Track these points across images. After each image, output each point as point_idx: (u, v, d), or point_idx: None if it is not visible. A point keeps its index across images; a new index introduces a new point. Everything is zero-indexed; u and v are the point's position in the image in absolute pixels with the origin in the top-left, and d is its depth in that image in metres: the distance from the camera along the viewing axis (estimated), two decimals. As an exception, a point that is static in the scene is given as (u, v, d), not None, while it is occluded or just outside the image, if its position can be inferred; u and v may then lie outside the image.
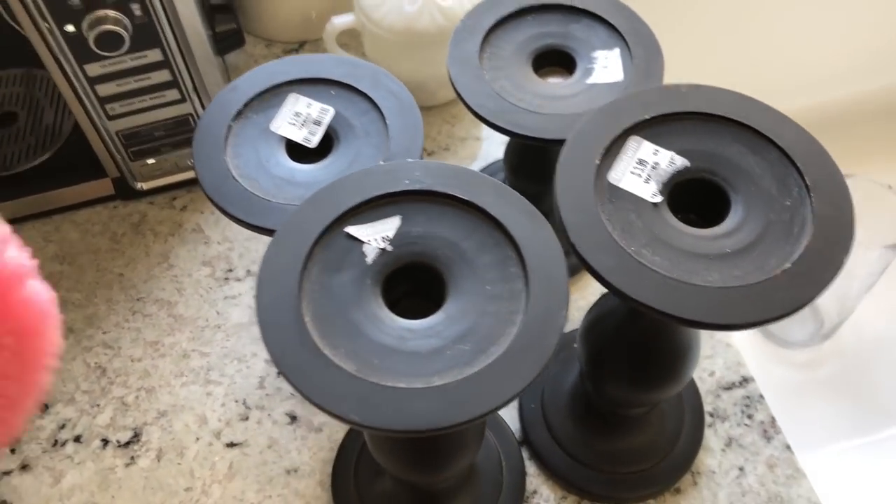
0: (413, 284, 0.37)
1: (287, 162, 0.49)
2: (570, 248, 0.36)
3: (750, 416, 0.59)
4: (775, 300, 0.34)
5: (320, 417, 0.58)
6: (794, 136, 0.39)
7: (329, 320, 0.35)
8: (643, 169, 0.38)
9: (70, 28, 0.54)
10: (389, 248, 0.37)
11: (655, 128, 0.40)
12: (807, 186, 0.37)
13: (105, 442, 0.57)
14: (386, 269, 0.36)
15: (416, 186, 0.38)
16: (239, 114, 0.50)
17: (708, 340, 0.62)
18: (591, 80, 0.52)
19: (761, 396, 0.60)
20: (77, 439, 0.58)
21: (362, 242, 0.37)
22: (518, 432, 0.57)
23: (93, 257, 0.66)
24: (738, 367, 0.61)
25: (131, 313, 0.64)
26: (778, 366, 0.90)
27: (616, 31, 0.53)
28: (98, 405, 0.59)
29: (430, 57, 0.67)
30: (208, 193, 0.47)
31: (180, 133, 0.64)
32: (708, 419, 0.58)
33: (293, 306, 0.34)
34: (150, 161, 0.66)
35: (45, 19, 0.53)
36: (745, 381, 0.60)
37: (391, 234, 0.37)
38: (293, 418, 0.58)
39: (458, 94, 0.51)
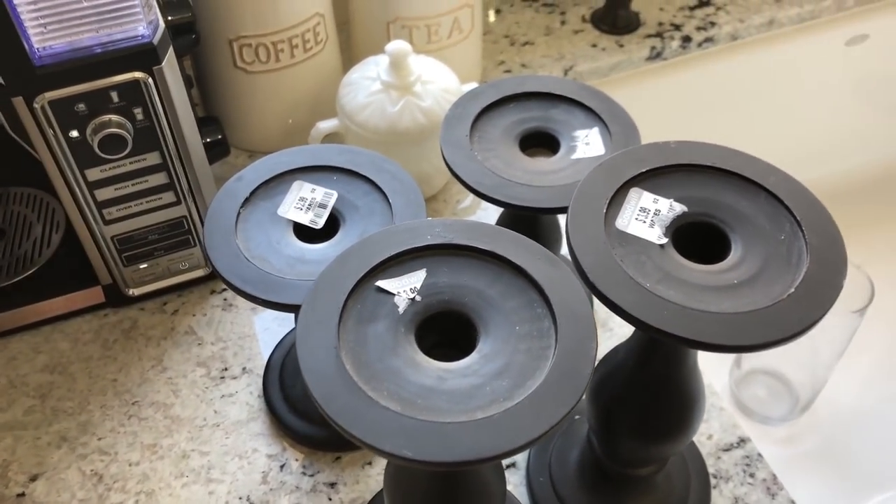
0: (443, 333, 0.38)
1: (297, 243, 0.51)
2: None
3: (752, 475, 0.60)
4: (788, 321, 0.37)
5: (328, 507, 0.57)
6: (777, 179, 0.42)
7: (369, 366, 0.36)
8: (646, 215, 0.41)
9: (74, 133, 0.56)
10: (419, 298, 0.38)
11: (651, 180, 0.43)
12: (797, 221, 0.41)
13: (106, 548, 0.55)
14: (417, 318, 0.38)
15: (439, 240, 0.40)
16: (247, 201, 0.52)
17: (702, 405, 0.64)
18: (575, 156, 0.55)
19: (759, 455, 0.61)
20: (76, 548, 0.55)
21: (392, 294, 0.38)
22: (531, 506, 0.57)
23: (84, 365, 0.66)
24: (734, 428, 0.63)
25: (127, 418, 0.63)
26: (759, 443, 0.92)
27: (593, 112, 0.58)
28: (96, 513, 0.57)
29: (413, 153, 0.71)
30: (223, 275, 0.48)
31: (174, 236, 0.66)
32: (712, 481, 0.59)
33: (333, 355, 0.35)
34: (143, 266, 0.67)
35: (51, 126, 0.55)
36: (743, 441, 0.62)
37: (418, 285, 0.39)
38: (301, 511, 0.57)
39: (454, 174, 0.54)
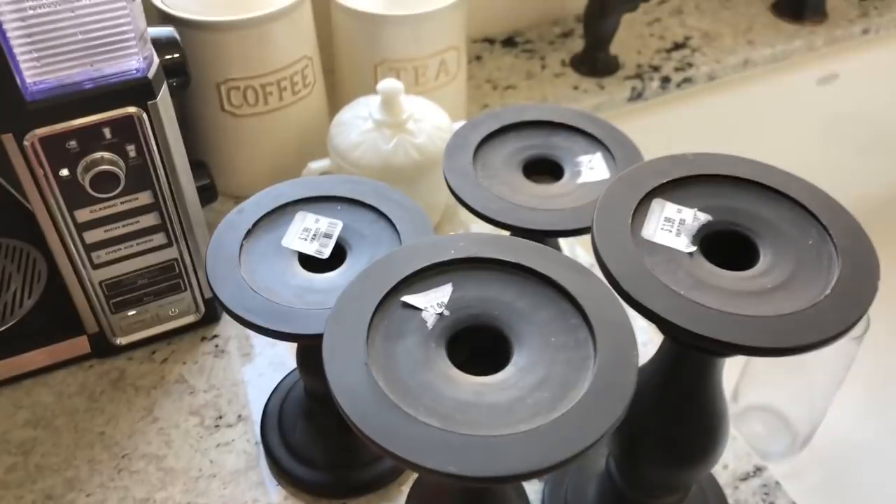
0: (474, 348, 0.37)
1: (303, 273, 0.49)
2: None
3: (772, 503, 0.58)
4: (829, 321, 0.36)
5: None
6: (799, 187, 0.42)
7: (402, 383, 0.34)
8: (672, 225, 0.40)
9: (65, 172, 0.54)
10: (447, 312, 0.37)
11: (672, 191, 0.42)
12: (824, 227, 0.40)
13: None
14: (447, 332, 0.36)
15: (463, 254, 0.38)
16: (249, 233, 0.50)
17: (715, 435, 0.62)
18: (581, 181, 0.55)
19: (777, 483, 0.60)
20: None
21: (420, 310, 0.37)
22: (551, 544, 0.54)
23: (70, 419, 0.62)
24: (749, 456, 0.61)
25: (116, 471, 0.59)
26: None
27: (594, 138, 0.57)
28: (86, 575, 0.54)
29: (407, 190, 0.69)
30: (230, 307, 0.46)
31: (164, 280, 0.63)
32: (732, 512, 0.57)
33: (364, 372, 0.33)
34: (131, 313, 0.64)
35: (41, 165, 0.53)
36: (759, 469, 0.60)
37: (445, 300, 0.37)
38: (307, 562, 0.54)
39: (459, 200, 0.53)
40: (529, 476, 0.30)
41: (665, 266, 0.39)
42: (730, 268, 0.40)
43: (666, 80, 0.96)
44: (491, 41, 1.02)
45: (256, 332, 0.46)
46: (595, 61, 0.96)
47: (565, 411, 0.32)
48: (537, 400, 0.33)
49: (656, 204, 0.42)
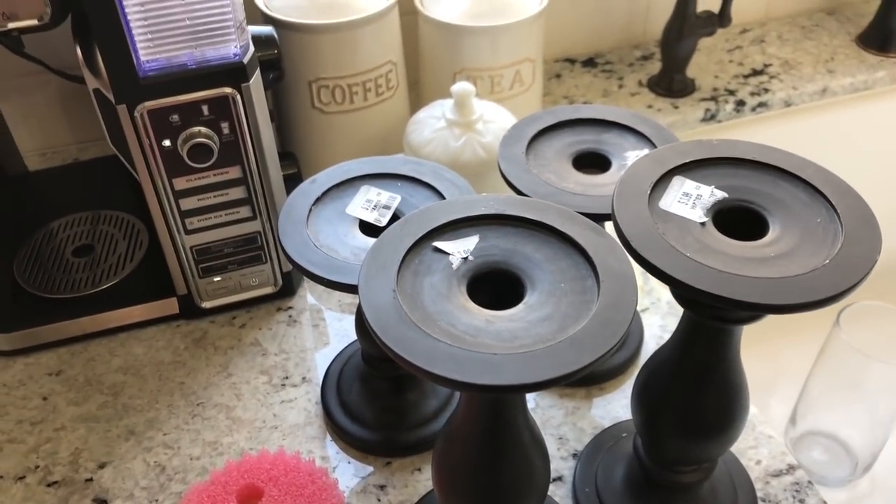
0: (492, 293, 0.41)
1: (362, 236, 0.55)
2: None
3: (802, 501, 0.59)
4: (823, 285, 0.38)
5: (377, 506, 0.59)
6: (813, 171, 0.45)
7: (423, 309, 0.39)
8: (688, 199, 0.44)
9: (167, 143, 0.62)
10: (471, 258, 0.41)
11: (694, 170, 0.46)
12: (833, 207, 0.43)
13: (165, 528, 0.58)
14: (469, 274, 0.41)
15: (491, 211, 0.43)
16: (318, 200, 0.57)
17: (751, 432, 0.64)
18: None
19: (809, 483, 0.61)
20: (137, 526, 0.58)
21: (448, 254, 0.41)
22: (575, 513, 0.57)
23: (155, 369, 0.70)
24: (783, 455, 0.62)
25: (191, 416, 0.66)
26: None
27: (644, 136, 0.61)
28: (156, 500, 0.60)
29: (473, 186, 0.75)
30: (294, 259, 0.52)
31: (247, 251, 0.70)
32: (761, 504, 0.59)
33: (392, 296, 0.38)
34: (217, 279, 0.71)
35: (147, 135, 0.61)
36: (792, 468, 0.62)
37: (471, 248, 0.42)
38: (350, 507, 0.59)
39: (509, 183, 0.58)
40: (522, 389, 0.34)
41: (676, 232, 0.42)
42: (739, 240, 0.43)
43: (741, 104, 0.99)
44: (572, 61, 1.07)
45: (315, 280, 0.51)
46: (671, 82, 0.99)
47: (563, 339, 0.36)
48: (540, 330, 0.37)
49: (676, 180, 0.45)
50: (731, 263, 0.40)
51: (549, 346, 0.36)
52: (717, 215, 0.44)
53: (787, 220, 0.43)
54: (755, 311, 0.38)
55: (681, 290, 0.39)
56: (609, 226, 0.45)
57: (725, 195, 0.45)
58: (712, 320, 0.45)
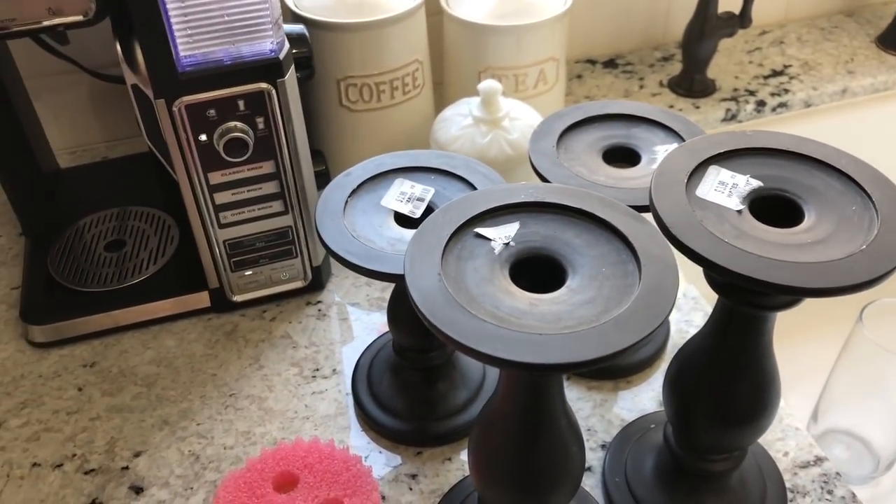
0: (533, 278, 0.42)
1: (397, 227, 0.56)
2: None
3: (830, 492, 0.60)
4: (861, 269, 0.39)
5: (407, 496, 0.59)
6: (848, 161, 0.46)
7: (468, 291, 0.39)
8: (724, 187, 0.45)
9: (203, 137, 0.63)
10: (513, 243, 0.42)
11: (729, 160, 0.47)
12: (868, 195, 0.44)
13: (201, 515, 0.59)
14: (511, 259, 0.42)
15: (532, 199, 0.44)
16: (354, 192, 0.58)
17: (778, 424, 0.64)
18: (655, 167, 0.59)
19: (837, 474, 0.61)
20: (174, 513, 0.59)
21: (489, 240, 0.42)
22: None
23: (188, 360, 0.71)
24: (811, 447, 0.63)
25: (224, 407, 0.67)
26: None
27: (673, 131, 0.62)
28: (191, 488, 0.61)
29: (500, 181, 0.76)
30: (331, 247, 0.53)
31: (278, 245, 0.72)
32: (789, 495, 0.59)
33: (437, 279, 0.39)
34: (248, 273, 0.72)
35: (185, 130, 0.62)
36: (819, 460, 0.62)
37: (512, 234, 0.43)
38: (382, 497, 0.60)
39: (541, 177, 0.59)
40: (565, 368, 0.35)
41: (713, 219, 0.43)
42: (775, 227, 0.44)
43: (761, 104, 0.99)
44: (593, 62, 1.08)
45: (353, 270, 0.52)
46: (692, 82, 1.00)
47: (605, 321, 0.37)
48: (583, 312, 0.38)
49: (712, 169, 0.46)
50: (769, 249, 0.41)
51: (593, 327, 0.37)
52: (752, 203, 0.45)
53: (822, 208, 0.44)
54: (795, 295, 0.39)
55: (721, 276, 0.40)
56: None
57: (761, 184, 0.45)
58: (748, 307, 0.45)
